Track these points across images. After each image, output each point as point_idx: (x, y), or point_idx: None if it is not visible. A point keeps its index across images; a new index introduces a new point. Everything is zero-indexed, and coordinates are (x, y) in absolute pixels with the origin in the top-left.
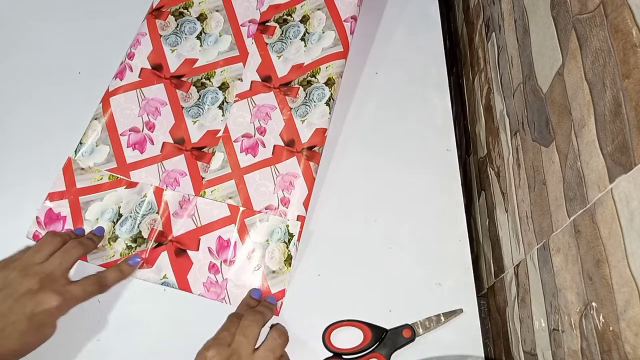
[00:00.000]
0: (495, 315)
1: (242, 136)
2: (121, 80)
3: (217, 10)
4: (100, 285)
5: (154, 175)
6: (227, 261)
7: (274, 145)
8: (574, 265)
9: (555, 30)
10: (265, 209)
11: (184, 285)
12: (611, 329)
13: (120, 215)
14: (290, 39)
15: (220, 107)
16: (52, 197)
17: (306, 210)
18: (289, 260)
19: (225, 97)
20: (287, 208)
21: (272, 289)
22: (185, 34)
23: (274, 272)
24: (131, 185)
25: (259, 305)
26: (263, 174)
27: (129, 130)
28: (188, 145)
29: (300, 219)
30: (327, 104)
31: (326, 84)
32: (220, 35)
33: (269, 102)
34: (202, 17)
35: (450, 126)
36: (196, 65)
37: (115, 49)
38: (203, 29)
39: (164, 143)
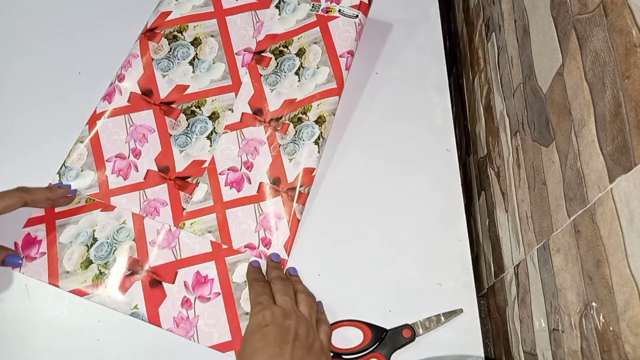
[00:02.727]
0: (495, 315)
1: (228, 169)
2: (109, 103)
3: (212, 36)
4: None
5: (134, 202)
6: (203, 297)
7: (260, 183)
8: (574, 265)
9: (555, 30)
10: (245, 247)
11: (154, 319)
12: (611, 329)
13: (95, 240)
14: (285, 72)
15: (208, 137)
16: (30, 222)
17: (288, 254)
18: None
19: (214, 127)
20: (267, 249)
21: (242, 331)
22: (178, 59)
23: (246, 314)
24: (107, 208)
25: (278, 275)
26: (246, 211)
27: (115, 157)
28: (172, 174)
29: (282, 262)
30: (316, 142)
31: (316, 122)
32: (213, 62)
33: (258, 137)
34: (196, 42)
35: (450, 126)
36: (187, 92)
37: (115, 49)
38: (197, 54)
39: (148, 171)
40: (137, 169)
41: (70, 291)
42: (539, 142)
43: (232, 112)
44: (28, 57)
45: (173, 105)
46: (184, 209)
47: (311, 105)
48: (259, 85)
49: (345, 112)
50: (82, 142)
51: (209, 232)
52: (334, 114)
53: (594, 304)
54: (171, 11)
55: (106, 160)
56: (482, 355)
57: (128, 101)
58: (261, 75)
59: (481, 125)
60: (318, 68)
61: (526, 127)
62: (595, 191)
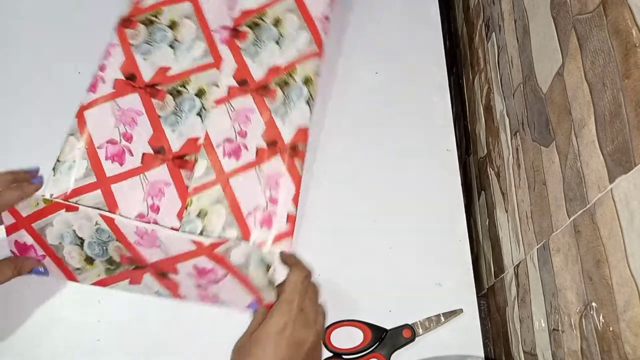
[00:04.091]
0: (495, 315)
1: (224, 141)
2: (94, 93)
3: (187, 17)
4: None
5: (136, 187)
6: (212, 281)
7: (257, 148)
8: (574, 265)
9: (555, 31)
10: (254, 210)
11: (179, 298)
12: (611, 329)
13: (81, 240)
14: (264, 42)
15: (198, 114)
16: (9, 230)
17: (296, 208)
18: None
19: (202, 104)
20: (275, 207)
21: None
22: (157, 42)
23: (268, 285)
24: (71, 208)
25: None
26: (248, 176)
27: (106, 142)
28: (169, 154)
29: (291, 217)
30: (307, 102)
31: (304, 83)
32: (192, 42)
33: (248, 105)
34: (173, 25)
35: (450, 126)
36: (170, 73)
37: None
38: (175, 36)
39: (143, 154)
40: (131, 154)
41: (93, 284)
42: (539, 142)
43: (218, 87)
44: (28, 57)
45: (158, 87)
46: (187, 186)
47: (296, 68)
48: (240, 58)
49: (346, 112)
50: (72, 134)
51: (217, 203)
52: (318, 75)
53: (594, 304)
54: None
55: (97, 148)
56: (482, 355)
57: (113, 88)
58: (241, 48)
59: (481, 125)
60: (297, 34)
61: (526, 127)
62: (595, 191)
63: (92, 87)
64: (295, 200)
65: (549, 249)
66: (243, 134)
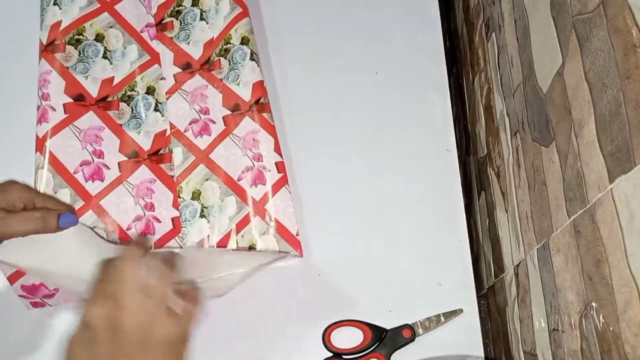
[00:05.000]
0: (495, 315)
1: (190, 124)
2: (47, 122)
3: (111, 27)
4: (45, 224)
5: (124, 195)
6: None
7: (223, 117)
8: (574, 265)
9: (555, 30)
10: (243, 173)
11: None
12: (611, 329)
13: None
14: (191, 23)
15: (156, 109)
16: (12, 279)
17: (280, 155)
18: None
19: (156, 99)
20: (262, 163)
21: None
22: (91, 57)
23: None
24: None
25: None
26: (226, 145)
27: (80, 166)
28: (143, 155)
29: (279, 164)
30: (252, 59)
31: (242, 44)
32: (125, 48)
33: (199, 84)
34: (99, 37)
35: (450, 126)
36: (115, 82)
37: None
38: (106, 47)
39: (119, 163)
40: (108, 167)
41: None
42: (539, 142)
43: (165, 79)
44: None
45: (109, 99)
46: (172, 176)
47: (229, 34)
48: (175, 46)
49: (345, 112)
50: (42, 167)
51: (207, 180)
52: (253, 33)
53: (594, 304)
54: (61, 20)
55: (74, 173)
56: (482, 355)
57: (65, 113)
58: (172, 37)
59: (481, 125)
60: (217, 4)
61: (526, 127)
62: (595, 191)
63: (43, 118)
64: (277, 149)
65: (549, 249)
66: (205, 111)
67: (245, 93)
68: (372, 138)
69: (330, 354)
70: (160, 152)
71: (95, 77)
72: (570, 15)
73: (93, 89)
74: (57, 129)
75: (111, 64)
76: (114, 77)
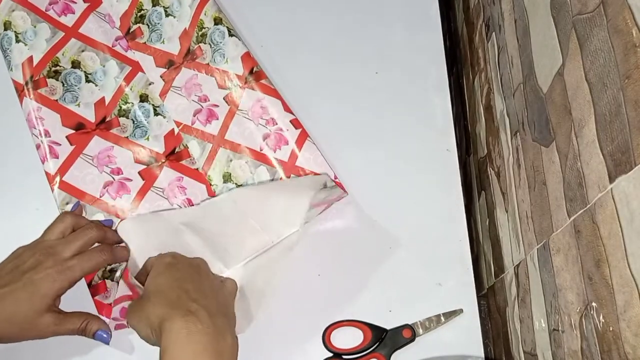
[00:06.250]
0: (495, 315)
1: (194, 115)
2: (57, 158)
3: (83, 51)
4: (107, 258)
5: (155, 200)
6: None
7: (224, 97)
8: (574, 265)
9: (555, 30)
10: (264, 141)
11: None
12: (611, 329)
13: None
14: (158, 22)
15: (156, 113)
16: (105, 312)
17: (292, 113)
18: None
19: (153, 104)
20: (277, 126)
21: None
22: (76, 84)
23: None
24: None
25: None
26: (237, 123)
27: (104, 189)
28: (161, 158)
29: (295, 122)
30: (231, 34)
31: (217, 24)
32: (104, 66)
33: (188, 76)
34: (75, 64)
35: (450, 126)
36: (107, 102)
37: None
38: (85, 70)
39: (140, 172)
40: (130, 180)
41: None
42: (539, 142)
43: (153, 83)
44: None
45: (107, 119)
46: (197, 169)
47: (202, 20)
48: (151, 49)
49: (345, 112)
50: (67, 202)
51: (231, 161)
52: (222, 11)
53: (594, 304)
54: (32, 55)
55: (100, 197)
56: (482, 355)
57: (71, 145)
58: (145, 42)
59: (481, 125)
60: None
61: (526, 127)
62: (595, 191)
63: (51, 154)
64: (287, 108)
65: (549, 249)
66: (204, 98)
67: (237, 67)
68: (372, 138)
69: (330, 354)
70: (176, 150)
71: (86, 102)
72: (570, 15)
73: (89, 115)
74: (69, 163)
75: (96, 85)
76: (104, 96)
